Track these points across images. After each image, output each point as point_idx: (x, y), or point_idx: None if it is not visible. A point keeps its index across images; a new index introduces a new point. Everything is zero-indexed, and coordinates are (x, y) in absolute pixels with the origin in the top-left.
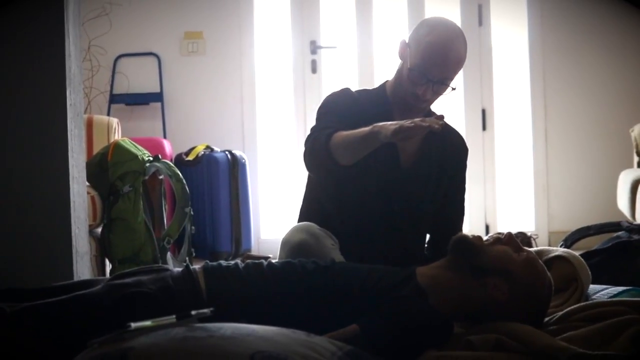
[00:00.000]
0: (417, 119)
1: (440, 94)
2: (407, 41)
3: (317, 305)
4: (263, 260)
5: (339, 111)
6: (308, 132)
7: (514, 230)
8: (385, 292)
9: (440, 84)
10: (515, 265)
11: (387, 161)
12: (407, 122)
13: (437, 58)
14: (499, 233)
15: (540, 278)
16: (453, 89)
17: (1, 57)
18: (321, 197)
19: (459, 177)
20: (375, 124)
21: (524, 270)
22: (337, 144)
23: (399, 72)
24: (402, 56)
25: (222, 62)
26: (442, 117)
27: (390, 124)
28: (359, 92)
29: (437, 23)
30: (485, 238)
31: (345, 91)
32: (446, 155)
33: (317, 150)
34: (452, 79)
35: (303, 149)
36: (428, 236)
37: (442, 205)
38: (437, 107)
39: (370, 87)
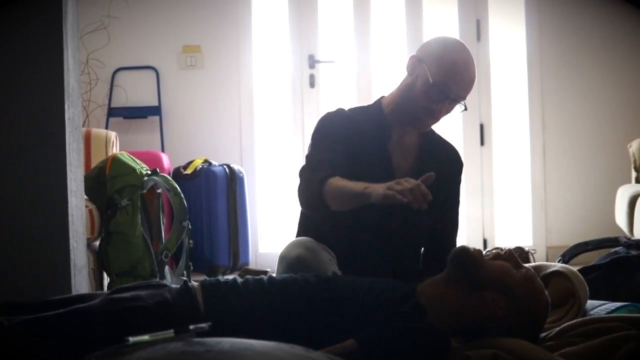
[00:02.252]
0: (406, 183)
1: (450, 111)
2: (419, 57)
3: (317, 318)
4: (263, 276)
5: (334, 137)
6: (306, 147)
7: (511, 245)
8: (385, 307)
9: (455, 102)
10: (513, 281)
11: (382, 178)
12: (396, 187)
13: (458, 76)
14: (498, 248)
15: (538, 295)
16: (465, 108)
17: None
18: None
19: (454, 192)
20: (369, 185)
21: (522, 287)
22: (330, 193)
23: (409, 88)
24: (412, 72)
25: (220, 76)
26: (431, 176)
27: (382, 187)
28: (353, 110)
29: (453, 42)
30: (485, 252)
31: (340, 112)
32: (441, 170)
33: (310, 193)
34: (465, 98)
35: (298, 181)
36: (422, 250)
37: (437, 220)
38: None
39: (368, 102)
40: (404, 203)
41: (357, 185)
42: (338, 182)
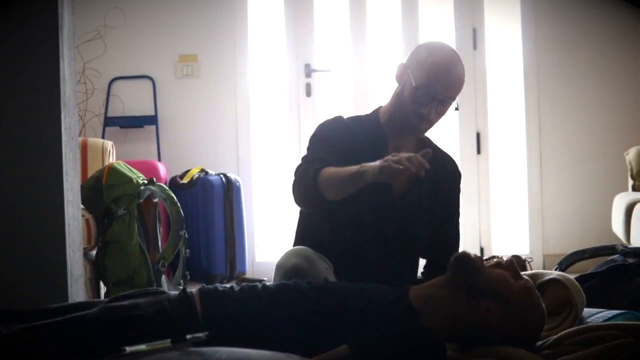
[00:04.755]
0: (402, 154)
1: (443, 114)
2: (405, 64)
3: (310, 325)
4: (258, 283)
5: (331, 140)
6: (302, 156)
7: (508, 254)
8: (377, 310)
9: (443, 103)
10: (510, 291)
11: (379, 187)
12: (392, 158)
13: (441, 76)
14: (496, 257)
15: (534, 307)
16: (456, 108)
17: None
18: (315, 222)
19: (452, 202)
20: (363, 164)
21: (519, 297)
22: (325, 180)
23: (399, 95)
24: (400, 79)
25: (217, 85)
26: (429, 152)
27: (377, 163)
28: (351, 119)
29: (437, 45)
30: (485, 258)
31: (338, 119)
32: (438, 181)
33: (305, 184)
34: (454, 98)
35: (292, 178)
36: (424, 261)
37: (438, 230)
38: (432, 131)
39: (364, 111)
40: (401, 171)
41: (350, 168)
42: (332, 169)
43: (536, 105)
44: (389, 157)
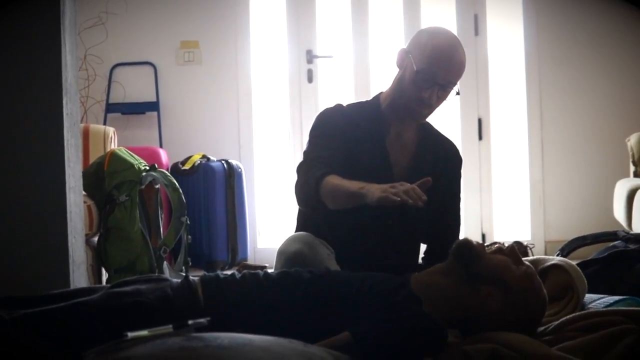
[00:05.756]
0: (400, 186)
1: (444, 99)
2: (406, 49)
3: (312, 313)
4: (259, 271)
5: (332, 132)
6: (304, 142)
7: (510, 240)
8: (379, 297)
9: (444, 87)
10: (511, 277)
11: (381, 174)
12: (391, 191)
13: (443, 60)
14: (498, 243)
15: (535, 293)
16: (457, 93)
17: None
18: None
19: (454, 187)
20: (365, 185)
21: (520, 283)
22: (326, 192)
23: (400, 81)
24: (401, 65)
25: (218, 71)
26: (428, 181)
27: (377, 189)
28: (351, 106)
29: (437, 30)
30: (486, 245)
31: (337, 108)
32: (440, 166)
33: (307, 191)
34: (455, 83)
35: (294, 176)
36: (424, 246)
37: (439, 216)
38: (433, 116)
39: (366, 97)
40: (398, 203)
41: (352, 185)
42: (334, 180)
43: (538, 91)
44: (388, 187)
